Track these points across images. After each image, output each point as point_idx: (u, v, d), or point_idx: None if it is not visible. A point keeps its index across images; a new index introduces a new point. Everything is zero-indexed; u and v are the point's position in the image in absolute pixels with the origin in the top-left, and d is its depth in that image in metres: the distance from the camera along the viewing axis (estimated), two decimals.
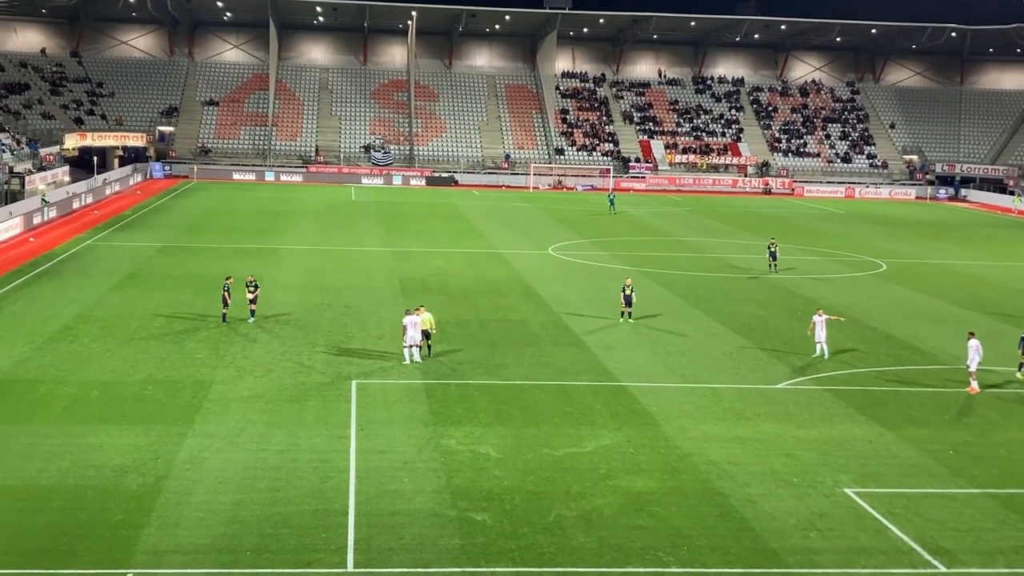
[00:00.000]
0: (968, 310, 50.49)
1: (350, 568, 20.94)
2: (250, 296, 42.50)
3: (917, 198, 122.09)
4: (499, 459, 27.34)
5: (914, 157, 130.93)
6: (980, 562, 22.18)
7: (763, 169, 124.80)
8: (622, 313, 45.03)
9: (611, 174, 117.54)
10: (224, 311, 41.98)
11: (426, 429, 29.56)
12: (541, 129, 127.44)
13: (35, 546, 21.36)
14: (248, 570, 20.68)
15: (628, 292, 44.65)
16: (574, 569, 21.21)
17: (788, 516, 24.19)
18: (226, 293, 41.92)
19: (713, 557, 21.97)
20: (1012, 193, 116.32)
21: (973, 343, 35.38)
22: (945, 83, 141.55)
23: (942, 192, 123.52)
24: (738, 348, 40.89)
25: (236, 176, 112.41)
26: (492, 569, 21.06)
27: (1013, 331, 41.53)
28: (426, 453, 27.60)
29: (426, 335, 37.05)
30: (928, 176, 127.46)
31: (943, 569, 21.79)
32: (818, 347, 39.43)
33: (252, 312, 42.68)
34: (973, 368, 35.47)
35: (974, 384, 35.55)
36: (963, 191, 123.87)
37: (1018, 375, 37.58)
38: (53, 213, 74.47)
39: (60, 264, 55.47)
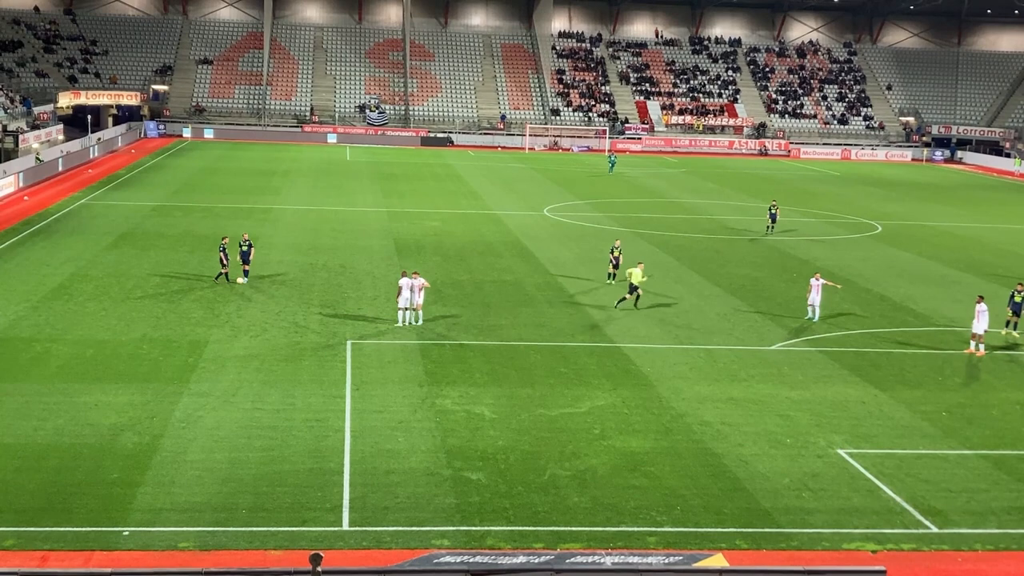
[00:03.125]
0: (963, 272, 50.56)
1: (345, 526, 21.05)
2: (243, 255, 42.54)
3: (913, 160, 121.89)
4: (494, 419, 27.44)
5: (911, 119, 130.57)
6: (971, 522, 22.34)
7: (759, 130, 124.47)
8: (609, 275, 45.08)
9: (607, 135, 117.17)
10: (223, 271, 41.91)
11: (421, 389, 29.64)
12: (537, 90, 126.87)
13: (31, 504, 21.45)
14: (244, 528, 20.79)
15: (616, 254, 44.69)
16: (568, 528, 21.33)
17: (781, 476, 24.32)
18: (223, 254, 41.88)
19: (706, 517, 22.10)
20: (1009, 155, 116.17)
21: (981, 307, 35.53)
22: (942, 44, 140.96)
23: (938, 154, 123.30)
24: (733, 310, 40.95)
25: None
26: (486, 528, 21.18)
27: (1007, 293, 41.58)
28: (421, 413, 27.69)
29: None
30: (924, 138, 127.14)
31: (935, 529, 21.95)
32: (810, 309, 39.48)
33: (245, 272, 42.65)
34: (979, 331, 35.61)
35: (978, 346, 35.71)
36: (959, 153, 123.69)
37: (1003, 332, 37.92)
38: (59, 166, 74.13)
39: (55, 223, 55.32)
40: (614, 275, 44.88)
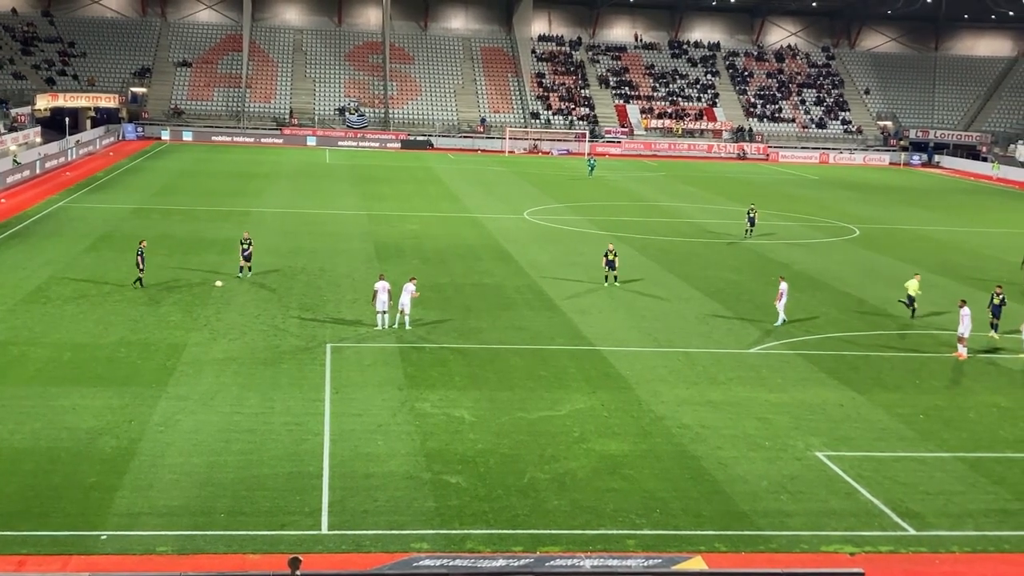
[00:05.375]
0: (940, 275, 50.82)
1: (324, 530, 21.01)
2: (244, 254, 44.04)
3: (891, 164, 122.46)
4: (473, 422, 27.44)
5: (888, 123, 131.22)
6: (949, 525, 22.46)
7: (738, 134, 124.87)
8: (606, 277, 45.11)
9: (587, 138, 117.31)
10: (139, 275, 41.47)
11: (401, 392, 29.61)
12: (517, 93, 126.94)
13: (8, 508, 21.33)
14: (222, 532, 20.73)
15: (611, 258, 44.75)
16: (547, 531, 21.35)
17: (760, 479, 24.40)
18: (139, 257, 41.44)
19: (685, 519, 22.16)
20: (986, 159, 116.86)
21: (965, 311, 35.72)
22: (920, 49, 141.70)
23: (915, 158, 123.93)
24: (712, 313, 41.06)
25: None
26: (466, 531, 21.18)
27: (985, 296, 41.86)
28: (400, 416, 27.66)
29: None
30: (902, 142, 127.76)
31: (912, 532, 22.06)
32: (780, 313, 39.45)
33: (246, 269, 44.11)
34: (963, 334, 35.78)
35: (962, 350, 35.91)
36: (936, 157, 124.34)
37: (988, 335, 38.28)
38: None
39: (32, 226, 55.02)
40: (614, 277, 44.85)
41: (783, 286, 39.34)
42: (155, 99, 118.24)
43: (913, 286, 41.24)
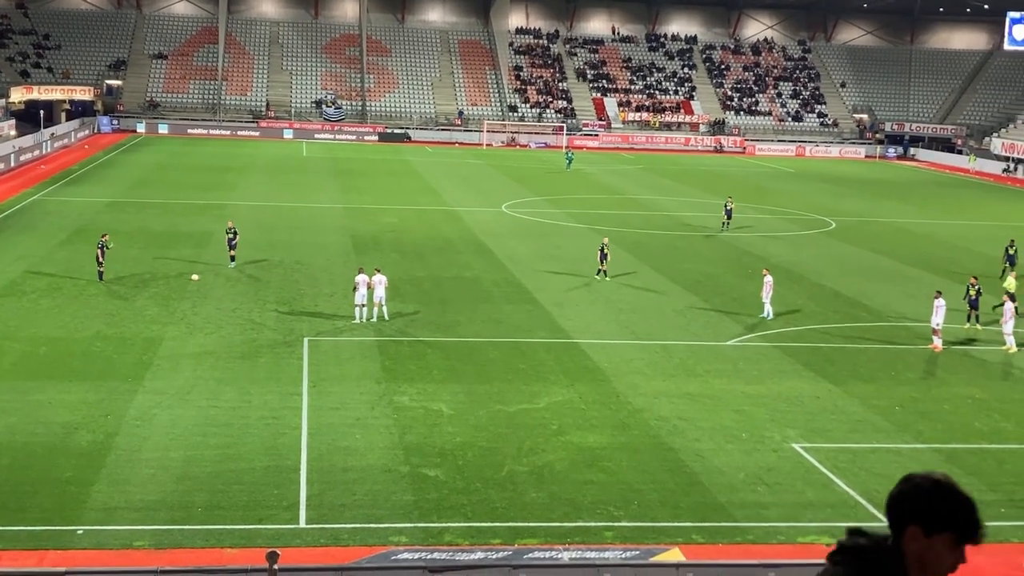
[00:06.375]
0: (916, 268, 51.11)
1: (302, 524, 20.99)
2: (230, 242, 44.71)
3: (867, 157, 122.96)
4: (452, 415, 27.44)
5: (864, 116, 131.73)
6: None
7: (715, 127, 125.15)
8: (598, 271, 45.13)
9: (564, 131, 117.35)
10: (99, 269, 41.18)
11: (379, 386, 29.58)
12: (494, 86, 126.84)
13: None
14: (199, 526, 20.67)
15: (605, 251, 44.72)
16: (526, 524, 21.38)
17: (737, 471, 24.50)
18: (100, 251, 41.19)
19: (663, 511, 22.23)
20: (960, 152, 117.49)
21: (939, 301, 35.88)
22: (896, 42, 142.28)
23: (891, 151, 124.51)
24: (689, 306, 41.18)
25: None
26: (444, 524, 21.19)
27: (959, 288, 42.12)
28: (379, 410, 27.64)
29: None
30: (878, 135, 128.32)
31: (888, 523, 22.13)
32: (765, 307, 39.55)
33: (232, 258, 44.68)
34: (936, 325, 35.96)
35: (937, 341, 36.12)
36: (912, 150, 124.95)
37: (965, 327, 38.60)
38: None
39: (7, 219, 54.65)
40: (605, 272, 44.89)
41: (768, 279, 39.41)
42: (130, 92, 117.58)
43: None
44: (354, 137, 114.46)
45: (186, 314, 36.65)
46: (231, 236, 44.80)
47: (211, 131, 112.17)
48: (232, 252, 44.80)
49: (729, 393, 30.31)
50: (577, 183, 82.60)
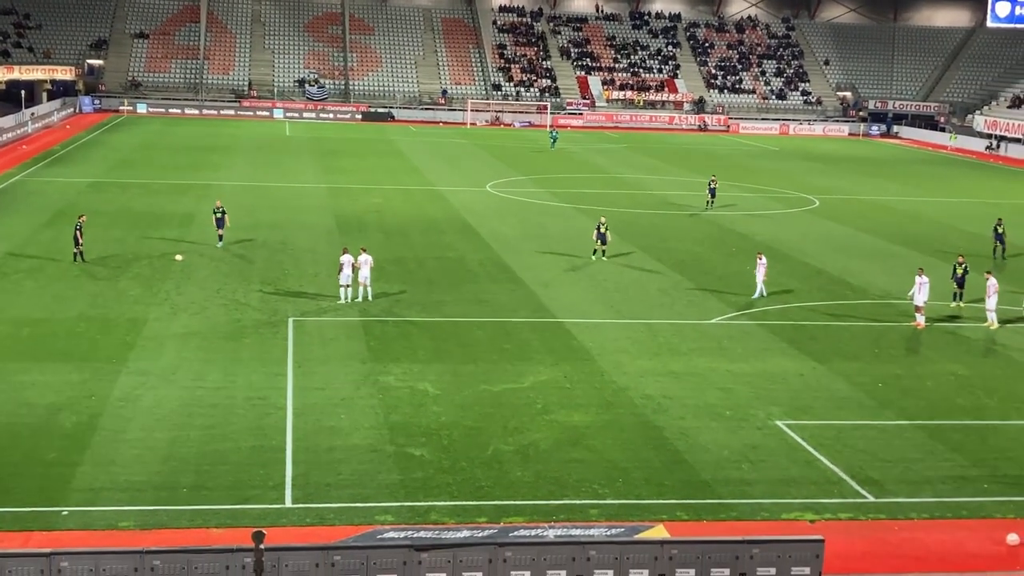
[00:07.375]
0: (900, 245, 51.26)
1: (288, 504, 21.00)
2: (218, 221, 44.72)
3: (850, 135, 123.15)
4: (437, 395, 27.46)
5: (847, 94, 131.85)
6: (908, 492, 22.74)
7: (699, 106, 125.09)
8: (595, 251, 45.07)
9: (549, 110, 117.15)
10: (76, 250, 40.97)
11: (364, 366, 29.58)
12: (478, 64, 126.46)
13: None
14: (185, 507, 20.67)
15: (603, 231, 44.65)
16: (511, 502, 21.44)
17: (721, 448, 24.59)
18: (78, 232, 41.04)
19: (648, 489, 22.31)
20: (943, 130, 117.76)
21: (922, 279, 35.92)
22: (879, 20, 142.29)
23: (874, 129, 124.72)
24: (673, 284, 41.24)
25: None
26: (430, 503, 21.23)
27: (945, 266, 42.29)
28: (364, 390, 27.64)
29: None
30: (861, 113, 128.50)
31: (871, 499, 22.32)
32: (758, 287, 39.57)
33: (220, 237, 44.73)
34: (919, 303, 36.04)
35: (919, 319, 36.21)
36: (895, 128, 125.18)
37: (952, 305, 38.66)
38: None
39: None
40: (603, 251, 44.83)
41: (763, 260, 39.49)
42: (112, 71, 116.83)
43: None
44: (337, 116, 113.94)
45: (170, 295, 36.54)
46: (219, 216, 44.75)
47: (193, 111, 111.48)
48: (220, 231, 44.78)
49: (713, 371, 30.39)
50: (562, 162, 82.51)
